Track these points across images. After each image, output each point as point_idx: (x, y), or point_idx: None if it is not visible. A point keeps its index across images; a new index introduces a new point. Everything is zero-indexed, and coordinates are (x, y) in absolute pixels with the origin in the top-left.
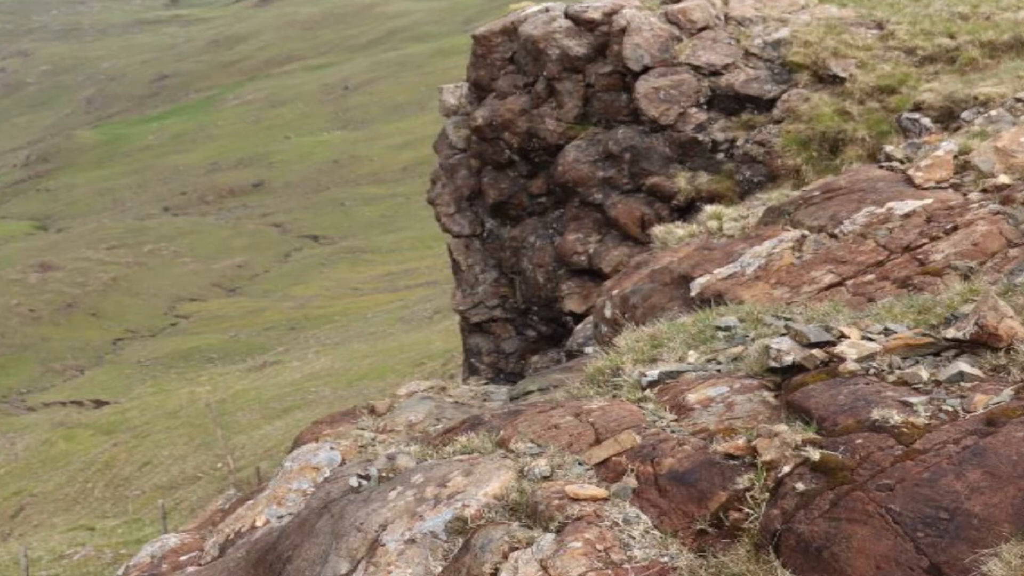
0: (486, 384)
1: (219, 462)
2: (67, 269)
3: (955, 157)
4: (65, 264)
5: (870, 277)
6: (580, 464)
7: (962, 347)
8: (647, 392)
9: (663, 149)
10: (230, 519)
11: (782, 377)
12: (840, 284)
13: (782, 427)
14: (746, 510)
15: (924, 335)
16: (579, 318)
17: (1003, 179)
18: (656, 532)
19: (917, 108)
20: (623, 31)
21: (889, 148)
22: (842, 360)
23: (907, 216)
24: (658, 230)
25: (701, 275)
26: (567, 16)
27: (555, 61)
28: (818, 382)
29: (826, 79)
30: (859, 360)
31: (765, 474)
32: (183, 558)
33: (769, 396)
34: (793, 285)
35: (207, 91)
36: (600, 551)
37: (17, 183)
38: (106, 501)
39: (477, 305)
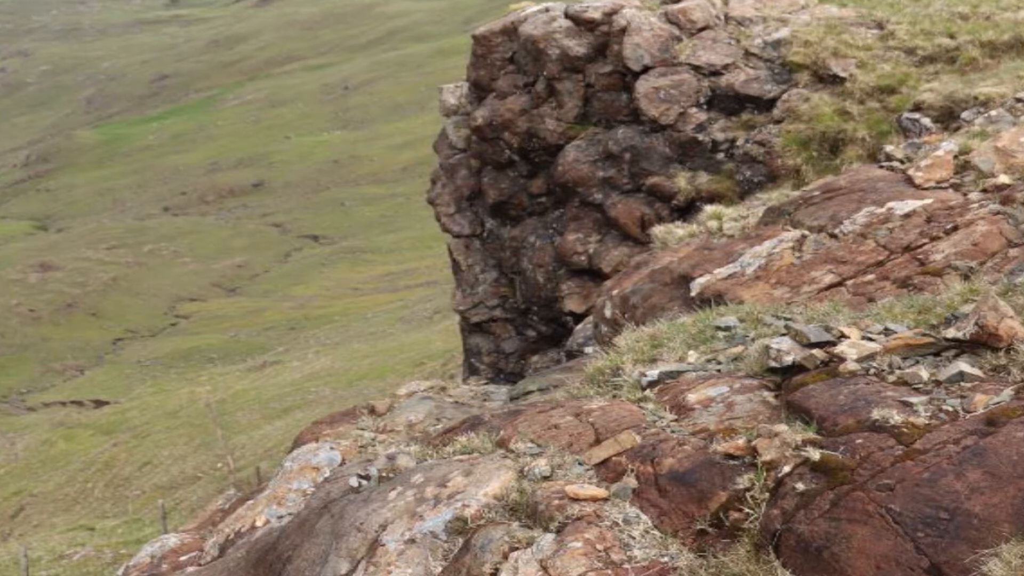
0: (486, 384)
1: (219, 462)
2: (67, 269)
3: (955, 157)
4: (65, 264)
5: (870, 277)
6: (580, 464)
7: (962, 347)
8: (647, 392)
9: (663, 149)
10: (230, 519)
11: (782, 377)
12: (840, 284)
13: (782, 427)
14: (746, 510)
15: (924, 335)
16: (579, 318)
17: (1003, 179)
18: (656, 532)
19: (917, 108)
20: (623, 31)
21: (889, 148)
22: (842, 360)
23: (907, 216)
24: (658, 230)
25: (701, 275)
26: (567, 16)
27: (555, 61)
28: (818, 382)
29: (826, 79)
30: (859, 360)
31: (765, 474)
32: (183, 558)
33: (769, 396)
34: (793, 285)
35: (207, 91)
36: (600, 551)
37: (17, 183)
38: (106, 501)
39: (477, 305)
